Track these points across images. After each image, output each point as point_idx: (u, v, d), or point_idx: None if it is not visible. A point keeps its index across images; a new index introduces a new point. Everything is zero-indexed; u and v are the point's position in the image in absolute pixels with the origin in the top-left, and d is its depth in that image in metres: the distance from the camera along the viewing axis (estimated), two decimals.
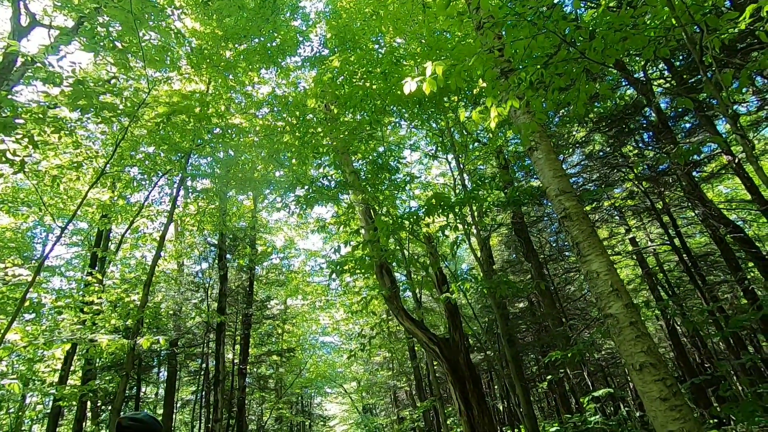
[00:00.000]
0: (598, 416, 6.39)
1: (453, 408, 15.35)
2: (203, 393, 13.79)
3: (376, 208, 7.96)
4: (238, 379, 13.69)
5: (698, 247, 14.59)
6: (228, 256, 14.17)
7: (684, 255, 11.02)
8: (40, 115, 5.25)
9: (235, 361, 14.88)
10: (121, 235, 9.61)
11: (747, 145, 3.54)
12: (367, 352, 9.20)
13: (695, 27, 4.09)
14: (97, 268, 11.00)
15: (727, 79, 3.76)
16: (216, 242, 14.19)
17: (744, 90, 10.55)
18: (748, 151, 3.40)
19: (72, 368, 10.65)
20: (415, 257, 8.95)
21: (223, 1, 6.98)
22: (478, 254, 7.50)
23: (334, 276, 6.87)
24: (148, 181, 8.84)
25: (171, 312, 13.86)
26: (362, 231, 8.05)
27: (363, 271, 8.19)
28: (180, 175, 9.02)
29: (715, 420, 8.61)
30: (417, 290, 9.77)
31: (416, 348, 14.81)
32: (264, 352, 17.80)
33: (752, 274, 11.67)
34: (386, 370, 20.14)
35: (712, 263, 12.83)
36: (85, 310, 7.41)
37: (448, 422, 10.23)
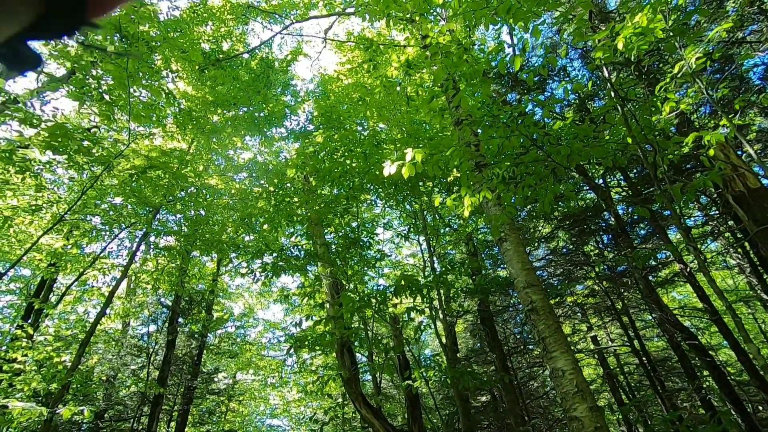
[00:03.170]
0: None
1: None
2: None
3: (344, 282, 7.80)
4: None
5: (656, 351, 14.77)
6: (180, 320, 13.24)
7: (644, 358, 11.09)
8: (6, 154, 5.09)
9: None
10: (66, 287, 8.91)
11: (699, 257, 3.77)
12: None
13: (647, 146, 4.55)
14: (30, 321, 9.99)
15: (677, 192, 4.10)
16: (170, 304, 13.33)
17: (690, 205, 11.54)
18: (700, 262, 3.61)
19: None
20: (379, 338, 8.63)
21: (219, 71, 7.34)
22: (443, 340, 7.31)
23: (291, 351, 6.47)
24: (108, 233, 8.46)
25: (104, 378, 12.48)
26: (327, 306, 7.79)
27: (323, 348, 7.78)
28: (144, 229, 8.71)
29: None
30: (378, 374, 9.28)
31: None
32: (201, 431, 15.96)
33: (708, 383, 11.77)
34: None
35: (671, 368, 12.93)
36: (5, 368, 6.58)
37: None
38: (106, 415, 13.15)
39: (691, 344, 9.52)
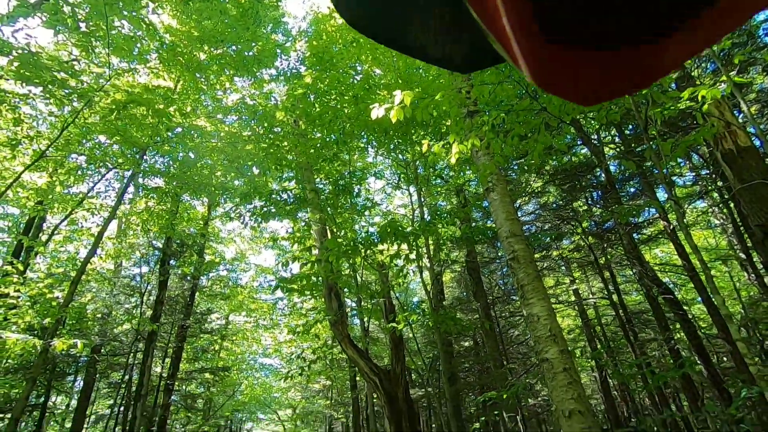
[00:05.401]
0: None
1: None
2: (122, 408, 12.64)
3: (334, 229, 7.87)
4: (163, 395, 12.71)
5: (633, 305, 15.40)
6: (172, 261, 13.42)
7: (620, 311, 11.59)
8: None
9: (163, 375, 13.87)
10: (55, 226, 8.90)
11: (678, 210, 3.83)
12: (305, 378, 8.86)
13: (643, 99, 4.46)
14: (21, 259, 10.06)
15: (666, 148, 4.08)
16: (161, 246, 13.44)
17: (682, 164, 11.56)
18: (678, 215, 3.67)
19: None
20: (367, 284, 8.86)
21: (204, 3, 6.91)
22: (429, 287, 7.53)
23: (280, 293, 6.65)
24: (95, 172, 8.33)
25: (98, 315, 12.82)
26: (315, 251, 7.91)
27: (311, 292, 7.99)
28: (132, 170, 8.58)
29: None
30: (366, 318, 9.62)
31: (358, 378, 14.43)
32: (197, 368, 16.71)
33: (678, 335, 12.41)
34: (324, 398, 19.44)
35: (645, 321, 13.55)
36: None
37: None
38: (102, 350, 13.66)
39: (666, 298, 9.93)
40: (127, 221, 12.03)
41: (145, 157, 8.78)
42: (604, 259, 12.43)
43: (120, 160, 8.54)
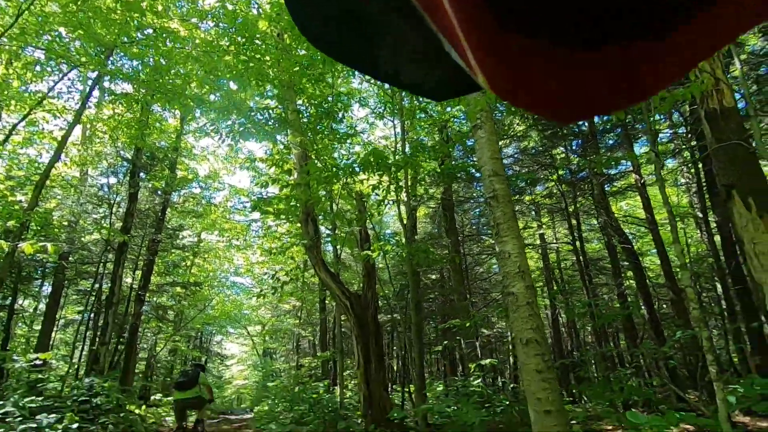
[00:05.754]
0: (479, 381, 7.08)
1: (352, 362, 16.05)
2: (92, 314, 12.85)
3: (312, 156, 7.70)
4: (134, 304, 12.95)
5: (592, 252, 16.29)
6: (142, 174, 12.97)
7: (580, 257, 12.28)
8: None
9: (134, 286, 14.01)
10: (13, 125, 8.29)
11: (657, 163, 3.92)
12: (277, 297, 9.16)
13: None
14: None
15: (655, 100, 4.07)
16: (130, 157, 12.88)
17: (662, 120, 11.67)
18: (657, 168, 3.76)
19: None
20: (343, 213, 8.93)
21: None
22: (405, 220, 7.66)
23: (255, 215, 6.61)
24: (55, 69, 7.65)
25: (65, 223, 12.51)
26: (294, 174, 7.79)
27: (288, 215, 7.99)
28: (97, 71, 7.92)
29: (570, 399, 9.98)
30: (339, 246, 9.82)
31: (327, 301, 15.06)
32: (168, 282, 16.95)
33: (628, 282, 13.38)
34: (293, 318, 20.34)
35: (600, 268, 14.46)
36: None
37: (344, 374, 10.68)
38: (70, 258, 13.54)
39: (625, 247, 10.54)
40: (93, 128, 11.35)
41: (111, 58, 8.08)
42: (573, 207, 12.89)
43: (83, 59, 7.82)
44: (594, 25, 0.24)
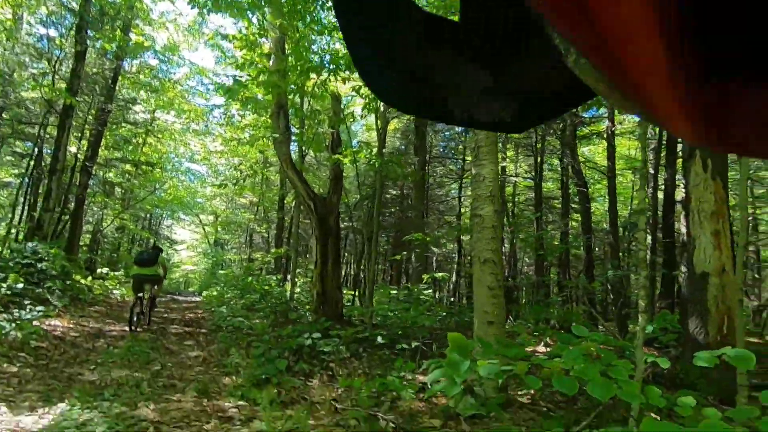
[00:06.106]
0: (429, 291, 7.65)
1: (304, 261, 16.59)
2: (32, 179, 12.03)
3: (290, 44, 7.05)
4: (80, 175, 12.23)
5: (548, 191, 17.05)
6: (90, 32, 11.42)
7: (537, 193, 12.85)
8: None
9: (80, 156, 13.12)
10: None
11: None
12: (237, 189, 8.96)
13: None
14: None
15: None
16: (77, 9, 11.18)
17: None
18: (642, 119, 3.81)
19: None
20: (316, 112, 8.53)
21: None
22: (379, 131, 7.47)
23: (218, 99, 6.15)
24: None
25: None
26: (271, 61, 7.18)
27: (258, 106, 7.52)
28: None
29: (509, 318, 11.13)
30: (305, 147, 9.52)
31: (286, 201, 15.00)
32: (117, 157, 15.99)
33: (574, 224, 14.34)
34: (249, 213, 20.28)
35: (551, 207, 15.26)
36: None
37: (297, 272, 11.06)
38: (4, 114, 12.24)
39: (580, 190, 11.09)
40: None
41: None
42: (540, 144, 13.13)
43: None
44: None
